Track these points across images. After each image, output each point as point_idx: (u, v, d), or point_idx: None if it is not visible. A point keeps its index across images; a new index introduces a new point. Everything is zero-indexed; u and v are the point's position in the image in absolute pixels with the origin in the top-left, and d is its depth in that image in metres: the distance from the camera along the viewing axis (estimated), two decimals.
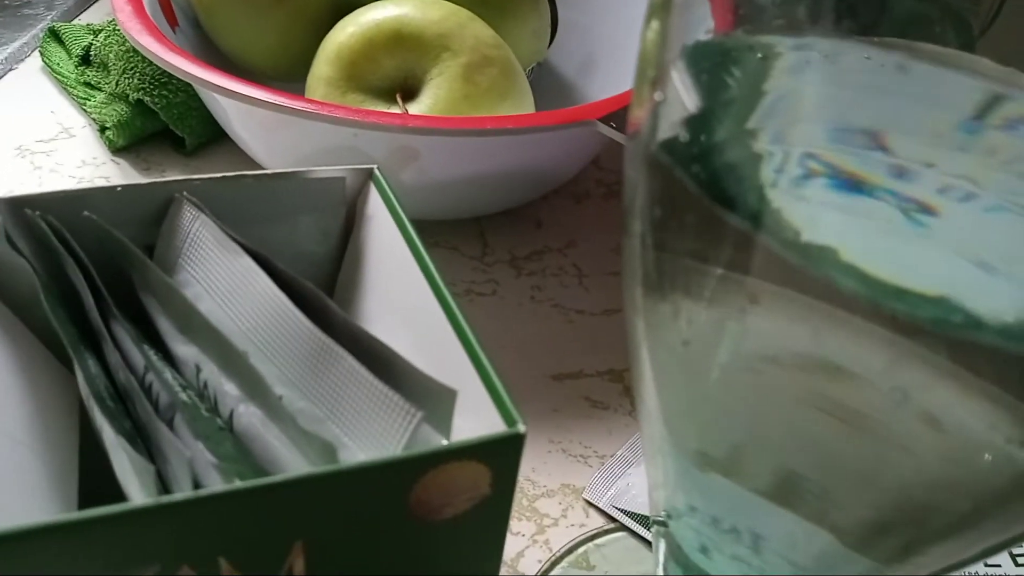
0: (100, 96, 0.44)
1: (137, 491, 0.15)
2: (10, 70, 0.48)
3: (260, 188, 0.21)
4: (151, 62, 0.41)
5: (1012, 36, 0.14)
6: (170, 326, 0.19)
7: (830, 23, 0.14)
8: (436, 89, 0.36)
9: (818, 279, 0.13)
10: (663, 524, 0.19)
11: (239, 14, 0.40)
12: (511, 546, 0.28)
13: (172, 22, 0.42)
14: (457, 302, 0.18)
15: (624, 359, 0.34)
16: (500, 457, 0.15)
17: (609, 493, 0.29)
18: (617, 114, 0.33)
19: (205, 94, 0.37)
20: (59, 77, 0.47)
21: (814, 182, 0.13)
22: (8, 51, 0.49)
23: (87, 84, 0.45)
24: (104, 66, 0.45)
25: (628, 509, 0.29)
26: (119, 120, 0.42)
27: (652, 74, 0.13)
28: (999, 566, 0.29)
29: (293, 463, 0.16)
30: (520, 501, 0.29)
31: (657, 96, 0.13)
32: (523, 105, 0.37)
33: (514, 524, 0.29)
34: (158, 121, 0.42)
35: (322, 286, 0.23)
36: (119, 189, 0.19)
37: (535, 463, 0.30)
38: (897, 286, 0.12)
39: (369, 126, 0.31)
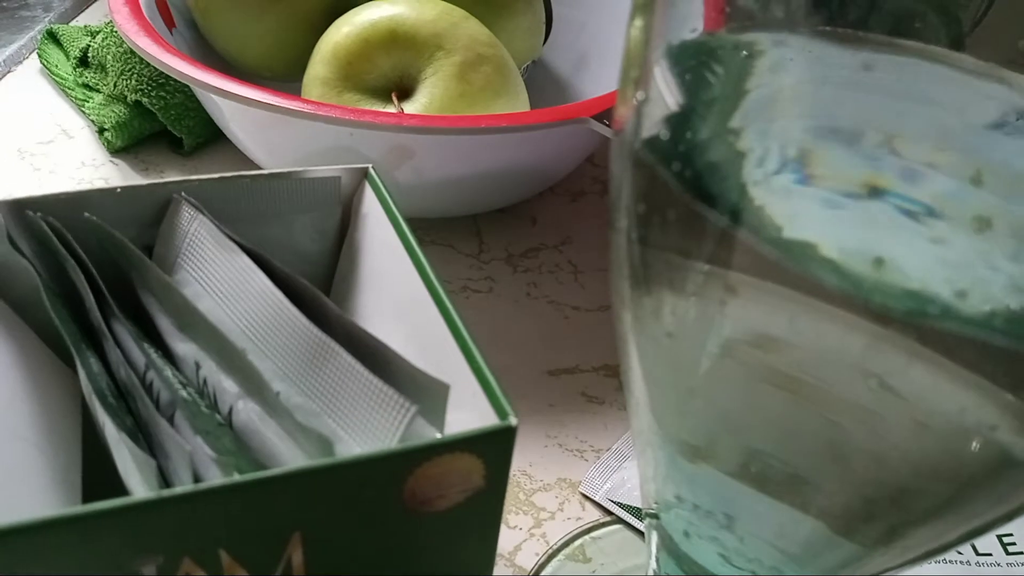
0: (98, 97, 0.44)
1: (139, 485, 0.15)
2: (8, 72, 0.49)
3: (257, 188, 0.21)
4: (149, 64, 0.42)
5: (1002, 32, 0.14)
6: (169, 324, 0.19)
7: (817, 20, 0.14)
8: (431, 88, 0.36)
9: (798, 273, 0.13)
10: (655, 516, 0.20)
11: (235, 15, 0.41)
12: (509, 540, 0.28)
13: (169, 23, 0.42)
14: (451, 298, 0.19)
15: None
16: (493, 449, 0.16)
17: (605, 487, 0.30)
18: (610, 112, 0.33)
19: (202, 95, 0.38)
20: (57, 79, 0.47)
21: (795, 179, 0.13)
22: (6, 53, 0.49)
23: (85, 86, 0.46)
24: (102, 67, 0.45)
25: (624, 502, 0.29)
26: (117, 121, 0.42)
27: (636, 73, 0.14)
28: (990, 555, 0.29)
29: (291, 457, 0.16)
30: (517, 495, 0.30)
31: (639, 95, 0.13)
32: (518, 103, 0.38)
33: (511, 518, 0.29)
34: (156, 122, 0.43)
35: (318, 284, 0.23)
36: (119, 191, 0.20)
37: (532, 458, 0.31)
38: (874, 279, 0.12)
39: (365, 125, 0.32)
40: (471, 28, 0.37)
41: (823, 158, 0.14)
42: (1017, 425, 0.13)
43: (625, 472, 0.30)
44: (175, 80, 0.42)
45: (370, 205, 0.22)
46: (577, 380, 0.34)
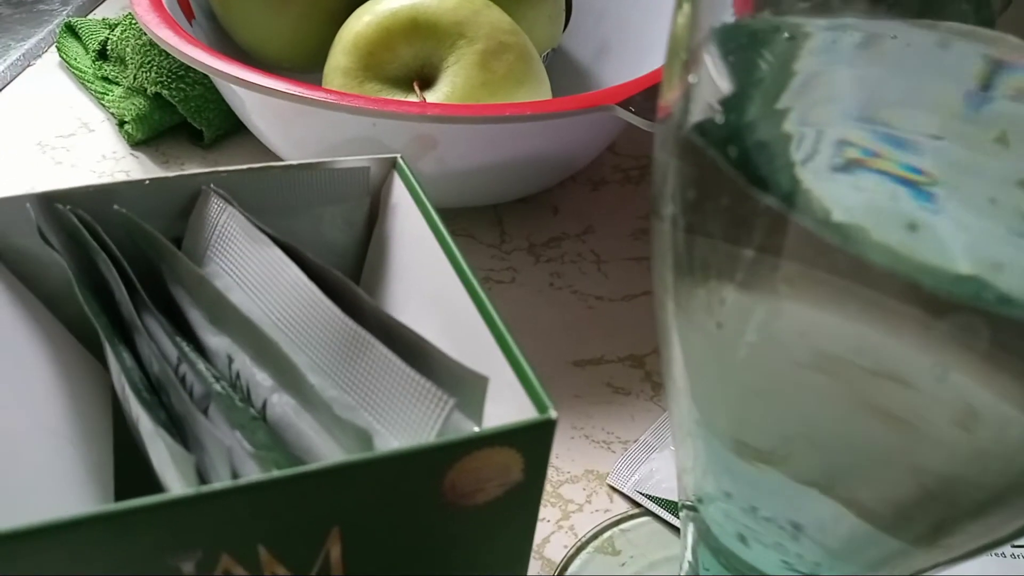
0: (118, 90, 0.44)
1: (176, 480, 0.15)
2: (28, 66, 0.49)
3: (285, 179, 0.21)
4: (168, 56, 0.42)
5: None
6: (201, 317, 0.19)
7: (856, 2, 0.14)
8: (453, 77, 0.36)
9: (849, 259, 0.13)
10: (692, 509, 0.19)
11: (255, 6, 0.40)
12: (537, 532, 0.28)
13: (188, 15, 0.42)
14: (484, 288, 0.18)
15: (644, 344, 0.35)
16: (532, 443, 0.16)
17: (633, 478, 0.29)
18: (635, 99, 0.33)
19: (223, 86, 0.37)
20: (77, 72, 0.47)
21: (844, 162, 0.13)
22: (25, 47, 0.49)
23: (105, 79, 0.46)
24: (121, 60, 0.45)
25: (652, 494, 0.29)
26: (137, 114, 0.42)
27: (684, 57, 0.13)
28: (1023, 546, 0.29)
29: (327, 451, 0.16)
30: (544, 487, 0.29)
31: (691, 79, 0.13)
32: (540, 91, 0.37)
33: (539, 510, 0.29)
34: (176, 114, 0.42)
35: (348, 275, 0.23)
36: (147, 182, 0.20)
37: (559, 449, 0.31)
38: (928, 264, 0.12)
39: (388, 115, 0.31)
40: (493, 16, 0.37)
41: (871, 140, 0.13)
42: None
43: (653, 464, 0.30)
44: (195, 72, 0.42)
45: (399, 195, 0.22)
46: (602, 371, 0.34)
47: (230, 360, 0.18)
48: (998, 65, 0.13)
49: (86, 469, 0.18)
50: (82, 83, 0.47)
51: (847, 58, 0.14)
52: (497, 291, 0.37)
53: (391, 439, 0.16)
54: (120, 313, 0.19)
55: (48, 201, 0.19)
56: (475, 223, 0.40)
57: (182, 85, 0.42)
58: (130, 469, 0.19)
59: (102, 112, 0.45)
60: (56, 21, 0.52)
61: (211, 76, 0.34)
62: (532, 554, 0.28)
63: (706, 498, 0.18)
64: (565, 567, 0.27)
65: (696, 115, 0.13)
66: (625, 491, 0.29)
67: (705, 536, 0.19)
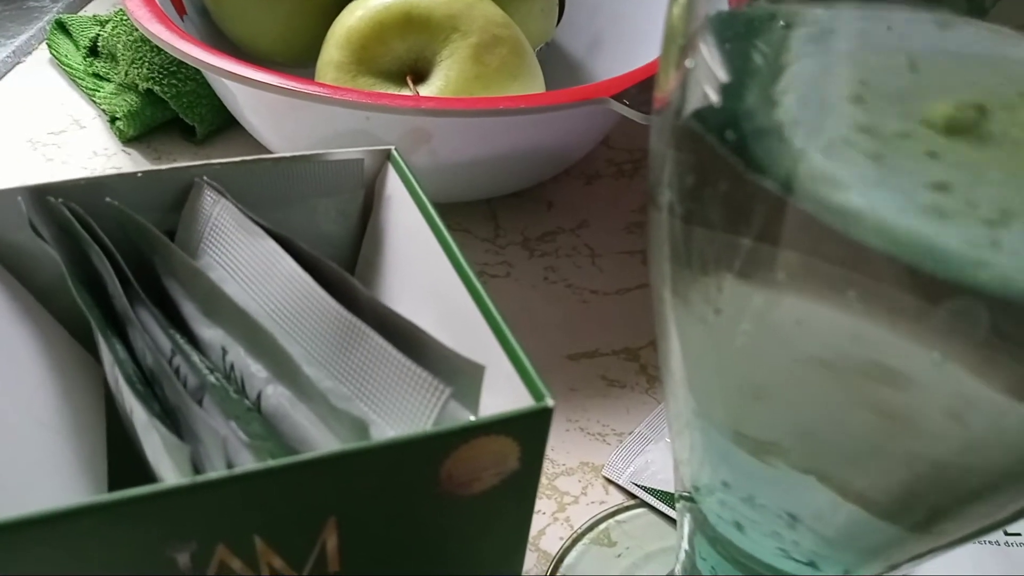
0: (109, 87, 0.44)
1: (171, 471, 0.15)
2: (18, 63, 0.49)
3: (279, 171, 0.21)
4: (160, 52, 0.41)
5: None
6: (194, 310, 0.19)
7: None
8: (447, 70, 0.35)
9: (848, 245, 0.13)
10: (689, 499, 0.19)
11: (248, 1, 0.40)
12: (533, 524, 0.28)
13: (180, 10, 0.42)
14: (479, 279, 0.18)
15: (639, 337, 0.35)
16: (529, 431, 0.16)
17: (629, 470, 0.29)
18: (629, 91, 0.33)
19: (215, 81, 0.37)
20: (67, 69, 0.47)
21: (841, 148, 0.13)
22: (16, 44, 0.49)
23: (96, 75, 0.45)
24: (112, 56, 0.45)
25: (648, 486, 0.29)
26: (129, 110, 0.42)
27: (680, 44, 0.13)
28: (1019, 534, 0.29)
29: (323, 441, 0.16)
30: (540, 479, 0.29)
31: (688, 64, 0.13)
32: (534, 85, 0.37)
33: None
34: (168, 110, 0.42)
35: (343, 266, 0.23)
36: (139, 175, 0.20)
37: (554, 442, 0.31)
38: (928, 246, 0.12)
39: (382, 109, 0.31)
40: (486, 9, 0.37)
41: (867, 125, 0.13)
42: None
43: (648, 455, 0.30)
44: (187, 68, 0.42)
45: (393, 187, 0.22)
46: (597, 364, 0.34)
47: (224, 352, 0.18)
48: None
49: (79, 462, 0.18)
50: (73, 79, 0.46)
51: (843, 46, 0.14)
52: (492, 285, 0.37)
53: (387, 429, 0.16)
54: (113, 306, 0.19)
55: (40, 194, 0.19)
56: (470, 217, 0.40)
57: (174, 81, 0.41)
58: (123, 463, 0.19)
59: (93, 109, 0.45)
60: (47, 17, 0.52)
61: (204, 71, 0.34)
62: (528, 546, 0.28)
63: (703, 488, 0.18)
64: (561, 559, 0.27)
65: (693, 103, 0.13)
66: (620, 483, 0.29)
67: (702, 525, 0.19)
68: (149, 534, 0.14)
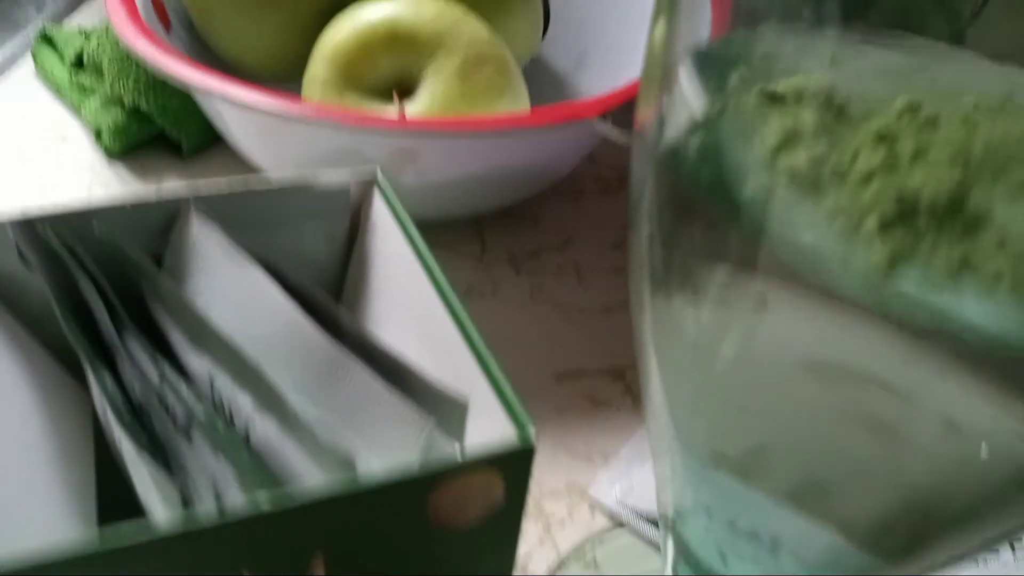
0: (95, 101, 0.44)
1: (159, 507, 0.15)
2: (1, 74, 0.48)
3: (266, 197, 0.21)
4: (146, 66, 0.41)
5: (1002, 22, 0.14)
6: (182, 338, 0.19)
7: (829, 21, 0.14)
8: (432, 88, 0.36)
9: (822, 279, 0.13)
10: (671, 524, 0.19)
11: (234, 16, 0.40)
12: (518, 548, 0.28)
13: (165, 24, 0.42)
14: (463, 305, 0.19)
15: (625, 357, 0.35)
16: (513, 466, 0.16)
17: (615, 492, 0.30)
18: (613, 111, 0.33)
19: (203, 99, 0.37)
20: (53, 82, 0.46)
21: (814, 183, 0.13)
22: (0, 56, 0.49)
23: (81, 88, 0.45)
24: (98, 70, 0.44)
25: (634, 507, 0.29)
26: (115, 126, 0.42)
27: (659, 74, 0.14)
28: (997, 551, 0.29)
29: (310, 473, 0.16)
30: (525, 509, 0.29)
31: (664, 97, 0.13)
32: (520, 102, 0.37)
33: None
34: (154, 126, 0.42)
35: (329, 289, 0.23)
36: (129, 207, 0.20)
37: (540, 463, 0.31)
38: (898, 290, 0.12)
39: (369, 131, 0.31)
40: (472, 27, 0.37)
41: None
42: None
43: (635, 477, 0.30)
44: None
45: (379, 211, 0.22)
46: (583, 384, 0.34)
47: (212, 381, 0.18)
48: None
49: (68, 492, 0.18)
50: (58, 93, 0.46)
51: (822, 76, 0.14)
52: (479, 305, 0.37)
53: (373, 459, 0.16)
54: (102, 335, 0.19)
55: (27, 222, 0.19)
56: (456, 235, 0.40)
57: (160, 97, 0.41)
58: (112, 491, 0.19)
59: (79, 123, 0.45)
60: (31, 27, 0.51)
61: (193, 93, 0.34)
62: (514, 569, 0.28)
63: (685, 512, 0.18)
64: None
65: (670, 133, 0.13)
66: (607, 504, 0.29)
67: (684, 552, 0.19)
68: (135, 572, 0.14)
